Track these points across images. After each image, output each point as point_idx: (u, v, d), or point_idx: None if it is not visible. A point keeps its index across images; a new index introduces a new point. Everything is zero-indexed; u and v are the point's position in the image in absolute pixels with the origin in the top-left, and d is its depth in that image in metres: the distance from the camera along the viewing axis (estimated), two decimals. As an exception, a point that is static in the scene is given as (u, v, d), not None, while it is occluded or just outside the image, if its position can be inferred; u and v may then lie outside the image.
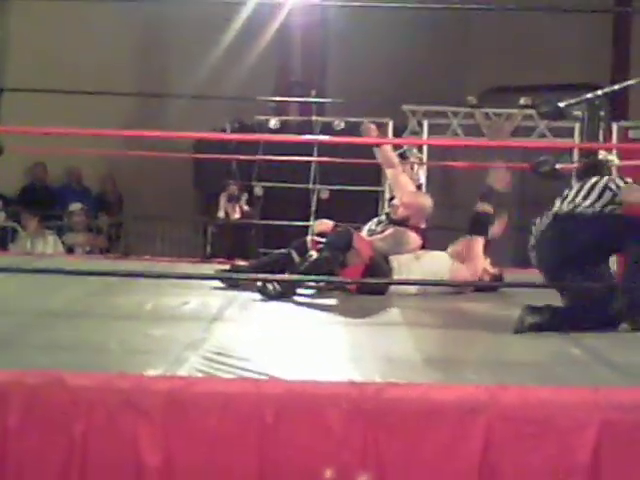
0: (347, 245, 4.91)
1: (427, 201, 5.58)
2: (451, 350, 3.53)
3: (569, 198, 4.13)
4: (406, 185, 5.67)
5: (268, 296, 4.67)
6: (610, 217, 4.08)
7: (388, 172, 5.72)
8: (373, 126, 5.61)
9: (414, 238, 5.34)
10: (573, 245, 4.00)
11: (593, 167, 4.55)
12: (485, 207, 5.13)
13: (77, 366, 2.88)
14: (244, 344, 3.44)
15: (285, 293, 4.70)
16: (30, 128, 3.51)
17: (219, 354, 3.16)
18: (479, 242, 5.18)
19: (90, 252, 8.91)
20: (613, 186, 4.12)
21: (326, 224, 5.28)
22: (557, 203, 4.17)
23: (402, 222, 5.33)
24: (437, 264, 5.16)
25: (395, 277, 5.11)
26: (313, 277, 4.67)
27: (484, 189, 5.16)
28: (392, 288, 5.06)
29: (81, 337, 3.50)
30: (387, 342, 3.60)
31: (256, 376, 2.85)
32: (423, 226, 5.53)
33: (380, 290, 4.98)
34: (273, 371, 2.90)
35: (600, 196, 4.07)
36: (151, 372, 2.82)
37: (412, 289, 5.08)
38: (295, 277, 4.77)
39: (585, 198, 4.09)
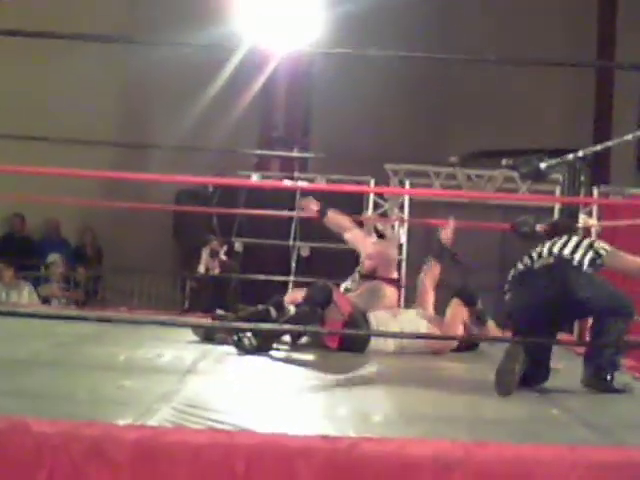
0: (327, 300, 4.87)
1: (390, 248, 5.61)
2: (427, 407, 3.47)
3: (554, 250, 4.11)
4: (365, 239, 5.68)
5: (244, 350, 4.61)
6: (602, 285, 4.07)
7: (346, 237, 5.66)
8: (312, 200, 5.58)
9: (390, 290, 5.33)
10: (572, 298, 3.97)
11: (563, 227, 4.55)
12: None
13: (44, 413, 2.81)
14: (217, 397, 3.37)
15: (261, 347, 4.64)
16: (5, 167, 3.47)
17: (191, 406, 3.10)
18: (460, 308, 5.21)
19: (66, 304, 8.82)
20: (598, 247, 4.11)
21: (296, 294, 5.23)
22: (534, 256, 4.16)
23: (372, 275, 5.32)
24: (414, 324, 5.13)
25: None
26: (290, 328, 4.61)
27: (435, 245, 5.25)
28: (370, 346, 5.01)
29: (50, 385, 3.43)
30: (363, 398, 3.55)
31: (228, 428, 2.79)
32: (395, 276, 5.52)
33: (359, 347, 4.93)
34: (245, 423, 2.84)
35: (585, 254, 4.06)
36: (120, 422, 2.75)
37: (390, 346, 5.04)
38: (271, 327, 4.71)
39: (573, 252, 4.07)
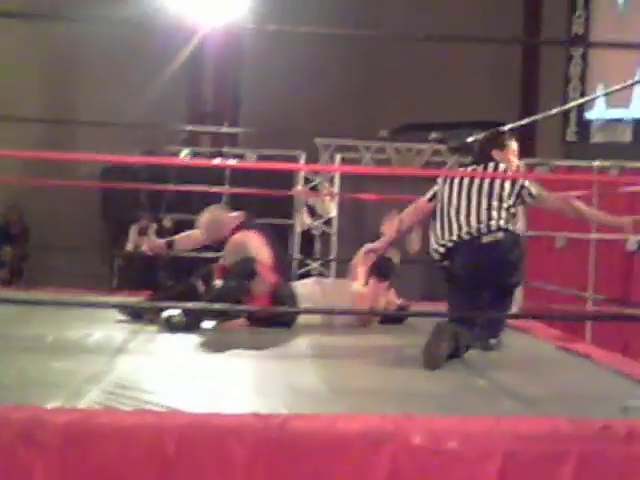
0: (252, 272, 4.85)
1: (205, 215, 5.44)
2: (357, 382, 3.50)
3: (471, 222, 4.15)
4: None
5: (173, 328, 4.59)
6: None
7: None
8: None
9: (242, 236, 5.20)
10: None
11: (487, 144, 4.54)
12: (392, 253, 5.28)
13: (-31, 399, 2.77)
14: (147, 377, 3.35)
15: (190, 325, 4.62)
16: None
17: (121, 387, 3.08)
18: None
19: (-6, 284, 8.65)
20: (525, 190, 4.21)
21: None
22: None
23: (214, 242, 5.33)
24: (341, 295, 5.15)
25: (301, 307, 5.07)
26: (218, 308, 4.58)
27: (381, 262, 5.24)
28: (298, 319, 5.03)
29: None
30: (293, 374, 3.56)
31: (158, 409, 2.78)
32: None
33: (286, 322, 4.93)
34: (176, 404, 2.83)
35: (510, 200, 4.18)
36: (49, 405, 2.72)
37: (317, 319, 5.07)
38: (198, 306, 4.68)
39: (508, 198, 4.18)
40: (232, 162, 7.53)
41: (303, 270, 8.48)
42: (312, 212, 8.53)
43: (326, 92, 10.77)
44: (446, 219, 4.22)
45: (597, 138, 10.54)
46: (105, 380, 3.20)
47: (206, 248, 5.67)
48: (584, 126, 10.61)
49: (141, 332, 4.53)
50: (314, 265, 8.72)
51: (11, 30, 9.24)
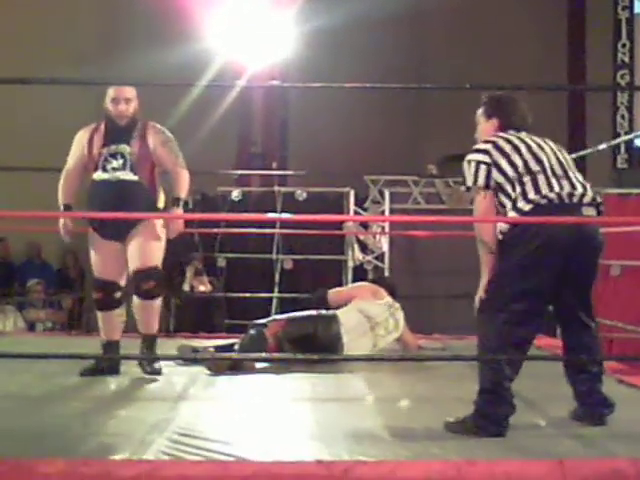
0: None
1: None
2: (417, 425, 3.50)
3: None
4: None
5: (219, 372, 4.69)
6: None
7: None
8: None
9: None
10: None
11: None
12: None
13: (41, 452, 2.85)
14: (210, 424, 3.41)
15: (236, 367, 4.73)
16: None
17: (185, 435, 3.15)
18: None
19: (51, 328, 8.80)
20: None
21: None
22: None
23: None
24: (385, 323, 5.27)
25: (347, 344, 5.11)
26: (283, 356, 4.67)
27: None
28: (345, 349, 5.07)
29: (44, 420, 3.45)
30: (352, 417, 3.59)
31: (223, 458, 2.83)
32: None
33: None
34: (240, 452, 2.88)
35: None
36: (116, 456, 2.79)
37: (366, 347, 5.12)
38: (251, 357, 4.78)
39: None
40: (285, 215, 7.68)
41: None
42: (364, 248, 8.57)
43: (373, 127, 10.85)
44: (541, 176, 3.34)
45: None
46: (169, 428, 3.26)
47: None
48: (634, 152, 10.54)
49: (200, 377, 4.59)
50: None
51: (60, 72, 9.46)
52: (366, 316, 5.21)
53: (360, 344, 5.11)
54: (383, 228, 8.45)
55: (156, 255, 4.62)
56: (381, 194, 8.77)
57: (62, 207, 4.63)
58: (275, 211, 8.86)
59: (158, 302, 4.68)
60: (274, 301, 8.54)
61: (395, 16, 10.17)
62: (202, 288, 7.82)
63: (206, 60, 9.56)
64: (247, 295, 7.71)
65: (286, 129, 10.65)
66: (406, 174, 8.83)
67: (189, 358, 4.98)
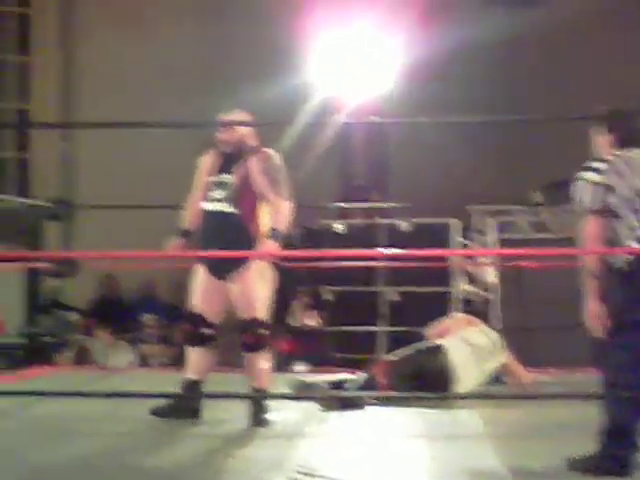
0: None
1: None
2: (536, 462, 3.42)
3: None
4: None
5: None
6: None
7: None
8: None
9: None
10: None
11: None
12: None
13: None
14: (327, 462, 3.43)
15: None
16: (101, 253, 3.58)
17: (304, 474, 3.17)
18: None
19: (164, 363, 8.96)
20: None
21: None
22: None
23: None
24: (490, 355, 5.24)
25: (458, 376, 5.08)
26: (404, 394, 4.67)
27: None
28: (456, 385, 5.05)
29: (162, 458, 3.51)
30: (469, 454, 3.56)
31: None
32: None
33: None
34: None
35: None
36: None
37: (475, 380, 5.09)
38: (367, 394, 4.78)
39: None
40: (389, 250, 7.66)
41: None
42: (472, 279, 8.48)
43: (475, 156, 10.76)
44: None
45: None
46: (286, 466, 3.29)
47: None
48: None
49: (314, 413, 4.62)
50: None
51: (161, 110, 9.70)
52: (469, 344, 5.20)
53: (470, 374, 5.09)
54: (491, 259, 8.35)
55: (261, 302, 4.35)
56: (486, 224, 8.69)
57: (181, 231, 4.50)
58: (378, 243, 8.87)
59: (265, 355, 4.39)
60: (381, 334, 8.53)
61: (495, 45, 10.10)
62: (310, 322, 7.87)
63: (307, 94, 9.69)
64: (354, 329, 7.72)
65: (387, 160, 10.67)
66: (511, 203, 8.73)
67: (303, 396, 5.00)
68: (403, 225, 8.96)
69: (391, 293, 8.84)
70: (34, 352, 7.34)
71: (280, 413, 4.52)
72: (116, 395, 4.54)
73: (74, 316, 9.86)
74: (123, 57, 11.07)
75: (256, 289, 4.31)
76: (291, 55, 9.92)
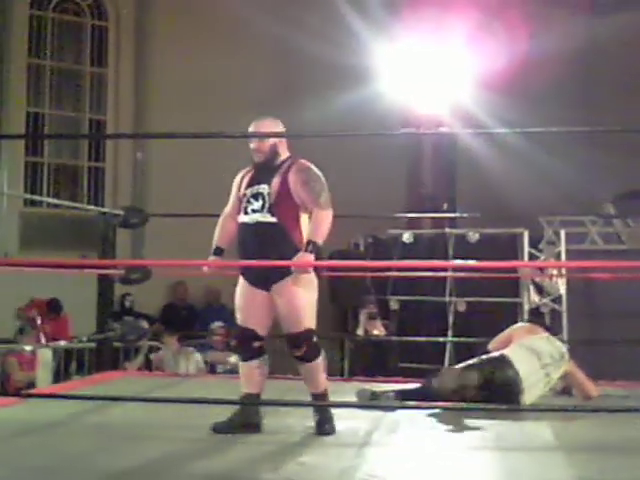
0: None
1: None
2: (608, 475, 3.39)
3: None
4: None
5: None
6: None
7: None
8: None
9: None
10: None
11: None
12: None
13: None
14: (397, 472, 3.43)
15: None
16: (170, 261, 3.60)
17: (373, 483, 3.18)
18: None
19: (231, 371, 9.03)
20: None
21: None
22: None
23: None
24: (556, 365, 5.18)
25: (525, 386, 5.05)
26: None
27: None
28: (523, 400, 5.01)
29: (232, 466, 3.54)
30: (543, 468, 3.51)
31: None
32: None
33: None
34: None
35: None
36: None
37: (540, 391, 5.04)
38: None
39: None
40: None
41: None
42: (540, 290, 8.39)
43: (546, 165, 10.64)
44: None
45: None
46: (357, 475, 3.29)
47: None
48: None
49: (382, 421, 4.60)
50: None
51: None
52: (533, 352, 5.16)
53: (534, 383, 5.05)
54: (560, 270, 8.25)
55: (306, 314, 4.25)
56: (556, 234, 8.59)
57: (213, 249, 4.41)
58: (446, 253, 8.84)
59: (317, 362, 4.35)
60: (448, 345, 8.49)
61: (568, 55, 10.00)
62: (376, 332, 7.87)
63: (376, 103, 9.71)
64: (421, 339, 7.70)
65: (455, 169, 10.63)
66: (582, 214, 8.62)
67: (371, 405, 5.00)
68: (472, 235, 8.91)
69: (459, 303, 8.80)
70: (104, 357, 7.45)
71: (348, 422, 4.54)
72: (184, 401, 4.57)
73: (144, 322, 10.00)
74: (196, 69, 11.24)
75: (299, 303, 4.22)
76: (363, 66, 9.96)
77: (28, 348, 7.93)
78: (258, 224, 4.20)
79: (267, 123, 4.32)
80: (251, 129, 4.33)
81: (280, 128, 4.33)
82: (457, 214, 9.54)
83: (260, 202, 4.21)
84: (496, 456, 3.80)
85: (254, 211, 4.22)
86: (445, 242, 9.04)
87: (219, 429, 4.21)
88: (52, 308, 9.75)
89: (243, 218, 4.28)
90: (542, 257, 8.70)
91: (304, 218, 4.25)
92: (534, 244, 8.66)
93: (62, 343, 8.41)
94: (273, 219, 4.18)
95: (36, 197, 11.26)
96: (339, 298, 9.52)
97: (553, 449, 3.98)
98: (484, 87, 9.56)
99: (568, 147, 10.46)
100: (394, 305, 9.19)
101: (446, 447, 4.03)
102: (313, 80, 10.97)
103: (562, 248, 8.51)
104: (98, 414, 4.65)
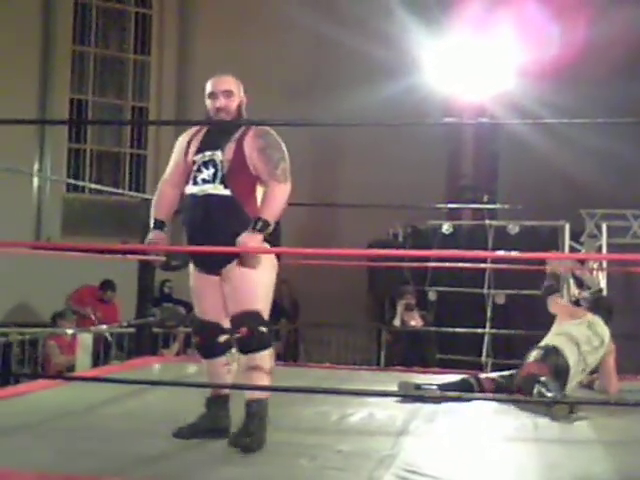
0: None
1: None
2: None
3: None
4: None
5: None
6: None
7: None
8: None
9: None
10: None
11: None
12: None
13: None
14: (435, 461, 3.42)
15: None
16: (210, 248, 3.53)
17: (412, 472, 3.18)
18: None
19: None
20: None
21: None
22: None
23: None
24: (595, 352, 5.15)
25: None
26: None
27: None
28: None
29: (271, 450, 3.56)
30: (579, 461, 3.49)
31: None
32: None
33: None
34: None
35: None
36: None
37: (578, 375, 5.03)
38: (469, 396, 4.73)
39: None
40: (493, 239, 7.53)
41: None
42: (580, 283, 8.31)
43: (588, 158, 10.54)
44: None
45: None
46: (395, 464, 3.30)
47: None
48: None
49: (420, 411, 4.60)
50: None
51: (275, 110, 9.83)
52: (572, 340, 5.12)
53: (577, 373, 5.03)
54: (600, 264, 8.17)
55: (256, 295, 3.60)
56: (598, 228, 8.51)
57: (152, 224, 3.79)
58: (486, 244, 8.79)
59: (261, 355, 3.58)
60: (486, 337, 8.46)
61: (625, 42, 9.87)
62: (413, 323, 7.84)
63: (416, 92, 9.67)
64: (459, 330, 7.67)
65: (496, 161, 10.56)
66: (625, 207, 8.52)
67: (411, 396, 5.00)
68: (512, 227, 8.86)
69: (497, 296, 8.76)
70: (143, 343, 7.52)
71: (386, 411, 4.55)
72: (217, 386, 4.58)
73: (182, 309, 10.06)
74: (238, 57, 11.27)
75: (248, 281, 3.58)
76: (406, 55, 9.92)
77: (69, 332, 8.02)
78: (208, 196, 3.60)
79: (230, 79, 3.85)
80: (213, 83, 3.84)
81: (241, 87, 3.86)
82: (497, 205, 9.47)
83: (212, 171, 3.63)
84: (535, 449, 3.79)
85: (204, 181, 3.63)
86: (485, 234, 8.99)
87: (180, 435, 3.71)
88: (106, 288, 9.73)
89: (192, 189, 3.67)
90: (583, 251, 8.63)
91: (262, 192, 3.65)
92: (575, 237, 8.58)
93: (104, 327, 8.49)
94: (226, 191, 3.59)
95: (79, 182, 11.38)
96: (377, 288, 9.53)
97: (593, 443, 3.95)
98: (531, 76, 9.47)
99: (612, 139, 10.36)
100: (432, 296, 9.17)
101: (484, 438, 4.02)
102: (354, 69, 10.95)
103: (603, 242, 8.43)
104: (136, 398, 4.70)
